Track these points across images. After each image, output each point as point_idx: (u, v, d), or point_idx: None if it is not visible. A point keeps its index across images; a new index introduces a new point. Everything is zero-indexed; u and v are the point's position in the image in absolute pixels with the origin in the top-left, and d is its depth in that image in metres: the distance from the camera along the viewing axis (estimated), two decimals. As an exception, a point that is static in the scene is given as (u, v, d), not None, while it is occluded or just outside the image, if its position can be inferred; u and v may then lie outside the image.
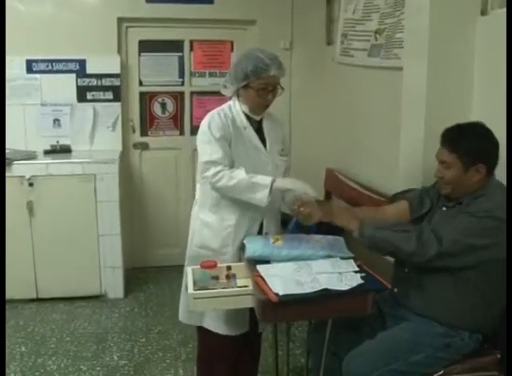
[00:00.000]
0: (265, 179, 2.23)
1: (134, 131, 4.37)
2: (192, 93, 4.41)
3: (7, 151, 3.66)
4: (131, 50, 4.25)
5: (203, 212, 2.42)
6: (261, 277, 1.97)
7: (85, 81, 4.07)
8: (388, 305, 2.17)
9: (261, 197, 2.21)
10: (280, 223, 2.53)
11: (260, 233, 2.41)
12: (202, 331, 2.48)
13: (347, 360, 2.00)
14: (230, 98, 2.43)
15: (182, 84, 4.39)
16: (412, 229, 2.01)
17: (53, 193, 3.70)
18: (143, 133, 4.41)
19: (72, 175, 3.70)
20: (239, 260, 2.29)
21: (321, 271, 2.01)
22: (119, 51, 4.15)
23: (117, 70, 4.11)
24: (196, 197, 2.50)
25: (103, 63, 4.07)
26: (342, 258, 2.12)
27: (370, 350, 1.98)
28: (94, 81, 4.07)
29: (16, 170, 3.63)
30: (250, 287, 2.02)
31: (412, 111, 2.59)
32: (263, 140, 2.40)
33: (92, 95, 4.09)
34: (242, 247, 2.28)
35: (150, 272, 4.35)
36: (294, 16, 4.29)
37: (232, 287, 2.08)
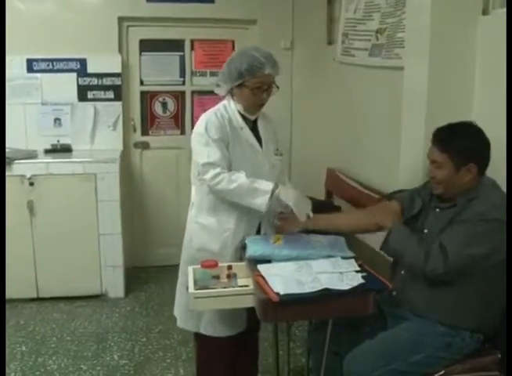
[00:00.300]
0: (267, 185, 2.19)
1: (135, 131, 4.37)
2: (193, 92, 4.41)
3: (7, 150, 3.66)
4: (132, 49, 4.25)
5: (201, 215, 2.38)
6: (262, 277, 1.97)
7: (86, 81, 4.07)
8: (389, 305, 2.17)
9: (261, 202, 2.18)
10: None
11: (258, 234, 2.39)
12: (200, 336, 2.46)
13: (348, 360, 2.00)
14: (224, 97, 2.39)
15: (183, 83, 4.40)
16: (422, 245, 1.98)
17: (54, 192, 3.70)
18: (144, 132, 4.41)
19: (73, 174, 3.70)
20: (239, 261, 2.28)
21: (322, 271, 2.01)
22: (120, 50, 4.15)
23: (117, 70, 4.11)
24: (192, 199, 2.45)
25: (104, 62, 4.07)
26: (343, 258, 2.12)
27: (371, 350, 1.98)
28: (95, 81, 4.07)
29: (16, 169, 3.63)
30: (251, 287, 2.02)
31: (412, 111, 2.59)
32: (258, 140, 2.38)
33: (93, 95, 4.09)
34: (243, 247, 2.27)
35: (151, 272, 4.35)
36: (295, 16, 4.29)
37: (233, 287, 2.08)
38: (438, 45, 2.40)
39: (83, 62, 4.04)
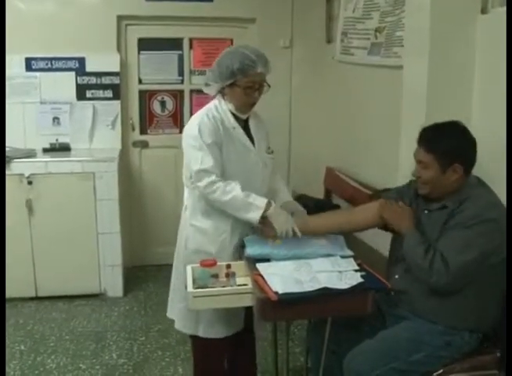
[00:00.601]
0: (261, 201, 2.18)
1: (133, 130, 4.37)
2: (191, 91, 4.40)
3: (6, 149, 3.65)
4: (131, 48, 4.24)
5: (196, 218, 2.35)
6: (261, 276, 1.96)
7: (85, 80, 4.06)
8: (387, 305, 2.16)
9: (253, 216, 2.18)
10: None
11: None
12: (197, 337, 2.44)
13: (348, 359, 2.00)
14: (214, 96, 2.36)
15: (182, 82, 4.39)
16: (427, 257, 1.95)
17: (52, 191, 3.69)
18: (143, 131, 4.41)
19: (71, 173, 3.70)
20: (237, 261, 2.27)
21: (321, 270, 2.01)
22: (118, 49, 4.14)
23: (116, 69, 4.10)
24: (186, 202, 2.42)
25: (103, 61, 4.06)
26: (342, 257, 2.12)
27: (371, 349, 1.98)
28: (93, 79, 4.06)
29: (15, 168, 3.62)
30: (250, 286, 2.02)
31: (412, 110, 2.59)
32: (251, 139, 2.36)
33: (92, 94, 4.08)
34: (242, 245, 2.27)
35: (150, 271, 4.34)
36: (294, 14, 4.29)
37: (232, 286, 2.07)
38: (437, 43, 2.40)
39: (82, 61, 4.03)
